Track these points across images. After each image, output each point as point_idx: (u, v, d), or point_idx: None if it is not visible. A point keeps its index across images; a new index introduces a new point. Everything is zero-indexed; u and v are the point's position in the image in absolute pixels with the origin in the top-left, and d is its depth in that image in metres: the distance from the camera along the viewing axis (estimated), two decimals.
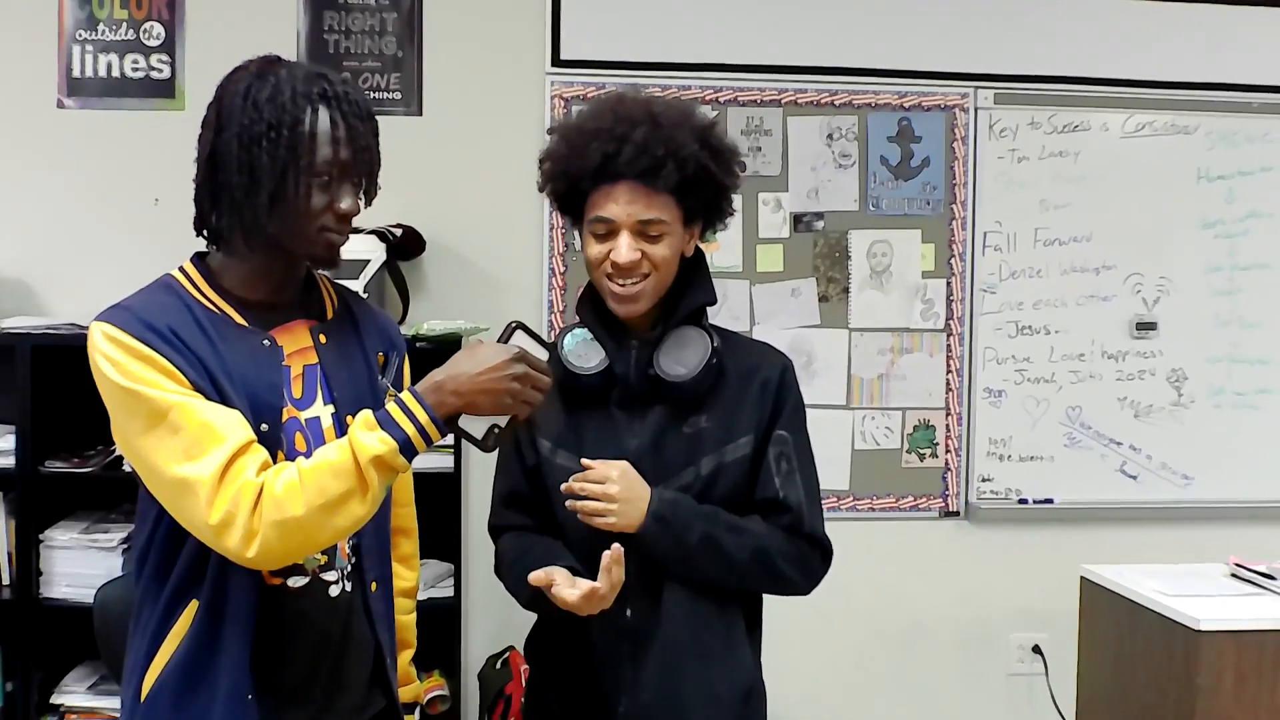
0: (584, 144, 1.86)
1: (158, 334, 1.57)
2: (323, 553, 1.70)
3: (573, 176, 1.88)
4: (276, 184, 1.59)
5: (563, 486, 1.85)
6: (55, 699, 3.29)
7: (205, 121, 1.66)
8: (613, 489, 1.80)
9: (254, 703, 1.63)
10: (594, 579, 1.79)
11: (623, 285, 1.86)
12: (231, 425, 1.55)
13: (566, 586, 1.73)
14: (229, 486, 1.51)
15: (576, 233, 2.00)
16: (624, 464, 1.83)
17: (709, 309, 1.98)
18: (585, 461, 1.85)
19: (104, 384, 1.58)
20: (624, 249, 1.83)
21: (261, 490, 1.52)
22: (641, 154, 1.81)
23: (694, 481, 1.88)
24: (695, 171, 1.85)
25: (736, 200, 2.02)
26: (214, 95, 1.66)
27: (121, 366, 1.55)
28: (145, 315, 1.59)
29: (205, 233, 1.70)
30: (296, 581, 1.69)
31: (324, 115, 1.62)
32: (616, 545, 1.74)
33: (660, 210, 1.85)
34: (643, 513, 1.81)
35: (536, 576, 1.75)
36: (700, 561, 1.86)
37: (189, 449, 1.52)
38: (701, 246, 2.01)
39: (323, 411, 1.72)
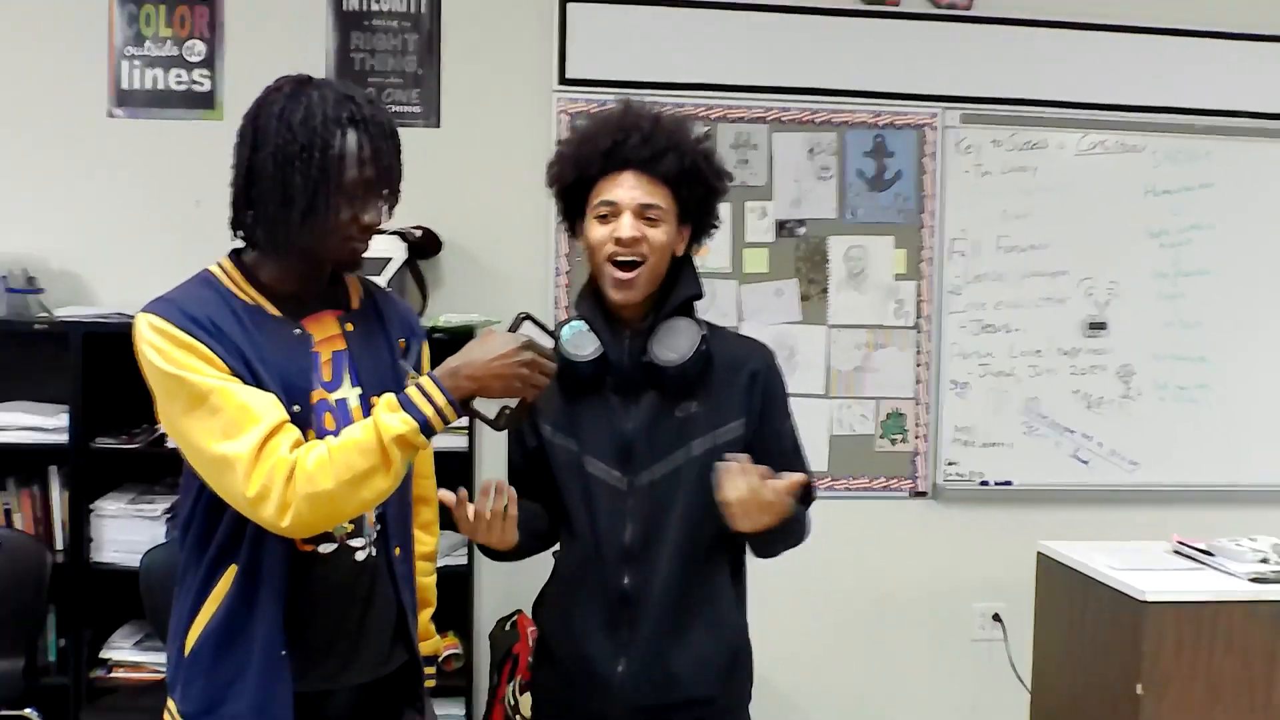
0: (594, 135, 1.88)
1: (198, 324, 1.57)
2: (351, 521, 1.70)
3: (582, 164, 1.89)
4: (309, 201, 1.59)
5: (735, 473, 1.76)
6: (104, 654, 3.30)
7: (242, 136, 1.65)
8: (779, 501, 1.75)
9: (287, 657, 1.64)
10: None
11: (620, 263, 1.85)
12: (266, 407, 1.56)
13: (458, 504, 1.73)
14: (265, 462, 1.51)
15: (573, 230, 2.00)
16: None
17: (697, 304, 1.97)
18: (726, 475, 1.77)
19: (149, 369, 1.58)
20: (625, 225, 1.83)
21: (294, 466, 1.52)
22: (645, 143, 1.84)
23: (685, 462, 1.88)
24: (691, 165, 1.87)
25: (725, 211, 2.03)
26: (250, 112, 1.66)
27: (165, 353, 1.55)
28: (187, 307, 1.59)
29: (240, 233, 1.71)
30: (326, 548, 1.69)
31: (352, 138, 1.61)
32: (445, 492, 1.76)
33: (659, 198, 1.86)
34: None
35: (444, 496, 1.76)
36: (783, 541, 1.91)
37: (228, 428, 1.53)
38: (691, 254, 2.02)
39: (350, 394, 1.72)
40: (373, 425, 1.57)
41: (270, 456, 1.52)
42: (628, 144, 1.84)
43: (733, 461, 1.74)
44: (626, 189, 1.85)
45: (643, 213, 1.85)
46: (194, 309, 1.59)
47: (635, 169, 1.85)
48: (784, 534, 1.85)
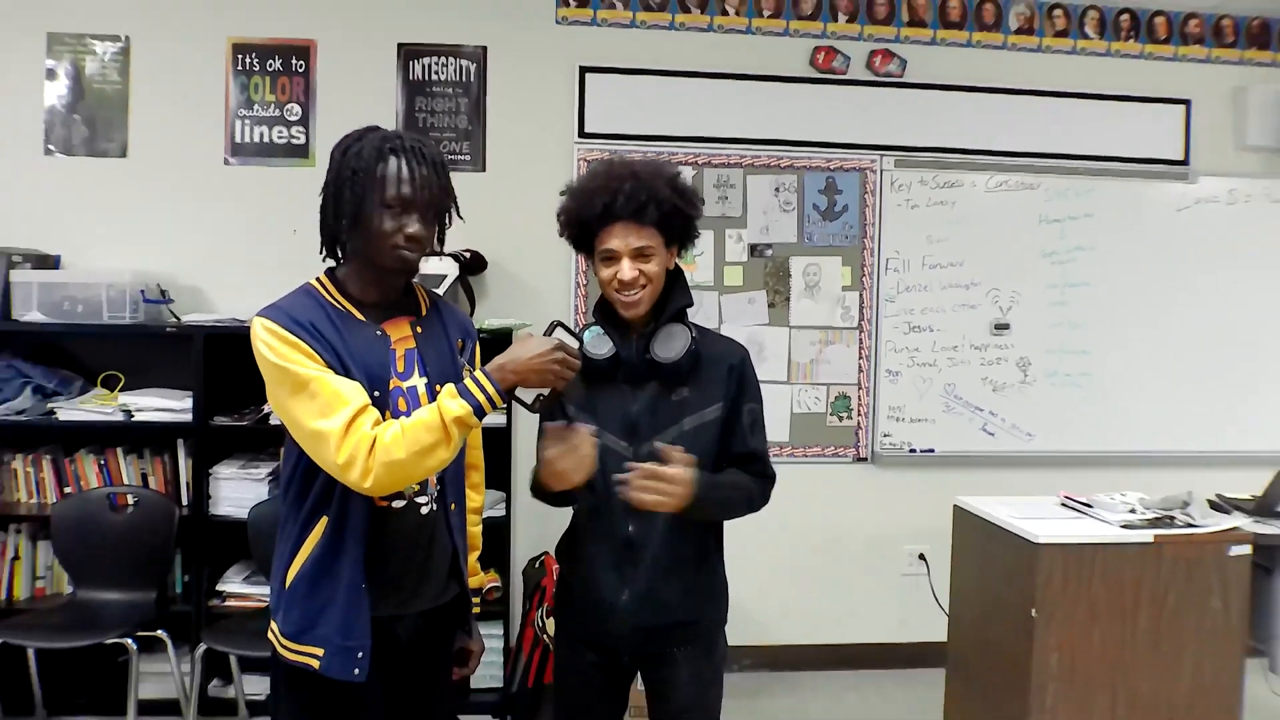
0: (588, 198, 1.85)
1: (301, 326, 1.58)
2: (418, 484, 1.70)
3: (583, 222, 1.87)
4: (355, 211, 1.61)
5: (621, 478, 1.76)
6: (219, 587, 3.32)
7: (326, 180, 1.68)
8: (679, 489, 1.73)
9: (366, 590, 1.64)
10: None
11: (627, 295, 1.85)
12: (354, 392, 1.56)
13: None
14: (351, 437, 1.52)
15: (588, 261, 1.98)
16: (692, 470, 1.76)
17: (688, 310, 1.96)
18: (656, 468, 1.75)
19: (262, 361, 1.59)
20: (625, 270, 1.83)
21: (375, 440, 1.53)
22: (630, 200, 1.81)
23: (678, 435, 1.86)
24: (670, 209, 1.85)
25: (709, 238, 2.01)
26: (330, 157, 1.68)
27: (275, 349, 1.56)
28: (292, 312, 1.60)
29: (330, 255, 1.71)
30: (398, 504, 1.69)
31: (393, 163, 1.62)
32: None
33: (648, 239, 1.84)
34: (688, 498, 1.76)
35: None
36: (716, 513, 1.90)
37: (323, 409, 1.53)
38: (682, 267, 2.01)
39: (418, 382, 1.71)
40: (437, 408, 1.57)
41: (356, 432, 1.53)
42: (616, 203, 1.82)
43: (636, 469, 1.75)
44: (620, 239, 1.83)
45: (637, 254, 1.84)
46: (298, 314, 1.60)
47: (625, 220, 1.83)
48: (714, 511, 1.88)
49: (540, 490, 1.89)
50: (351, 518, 1.63)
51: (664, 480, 1.72)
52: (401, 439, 1.54)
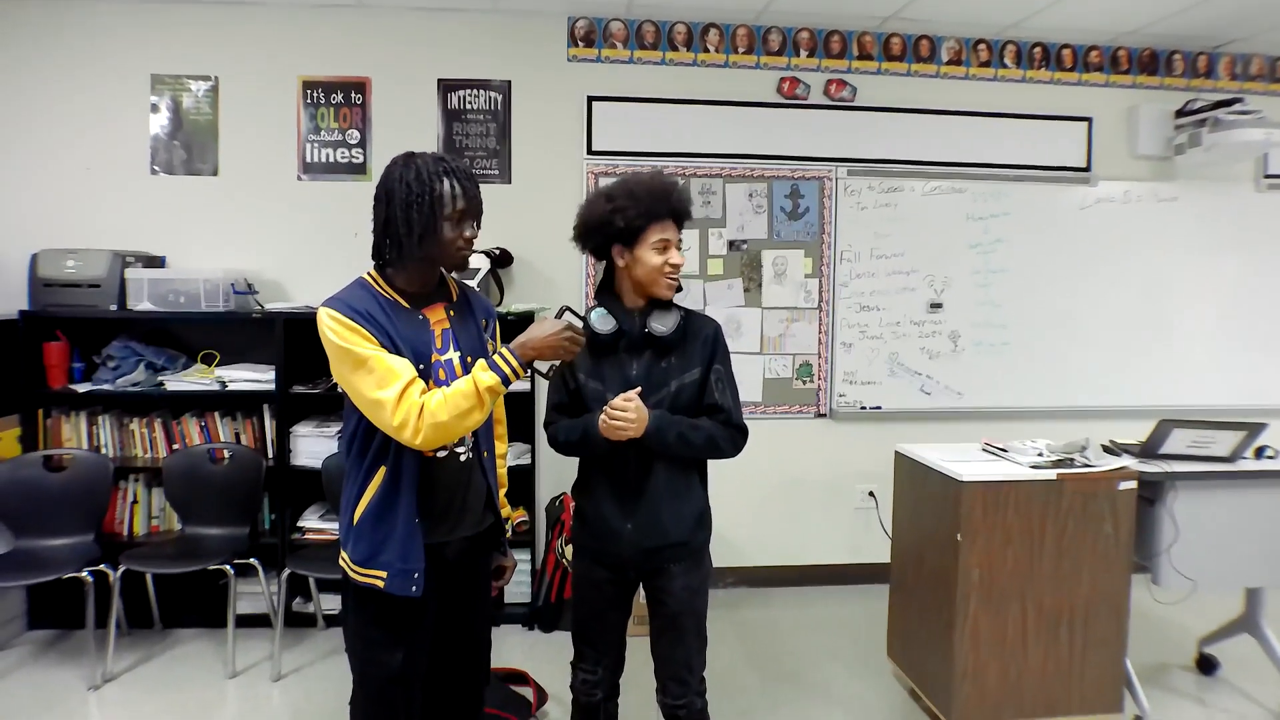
0: (656, 200, 1.87)
1: (358, 313, 1.59)
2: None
3: (647, 212, 1.86)
4: (424, 228, 1.61)
5: (605, 410, 1.81)
6: (300, 523, 3.34)
7: (377, 196, 1.65)
8: (630, 415, 1.79)
9: (419, 523, 1.66)
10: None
11: (673, 278, 1.90)
12: (405, 368, 1.57)
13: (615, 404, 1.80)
14: (404, 403, 1.54)
15: (596, 257, 1.97)
16: (636, 400, 1.81)
17: (676, 294, 1.97)
18: (614, 401, 1.81)
19: (327, 343, 1.59)
20: (677, 256, 1.89)
21: (423, 406, 1.55)
22: (680, 201, 1.89)
23: (667, 394, 1.87)
24: (689, 212, 1.93)
25: (695, 235, 2.03)
26: (381, 179, 1.66)
27: (338, 333, 1.57)
28: (350, 302, 1.61)
29: (381, 256, 1.70)
30: (442, 454, 1.70)
31: (448, 183, 1.62)
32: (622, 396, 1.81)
33: (679, 233, 1.91)
34: (644, 427, 1.81)
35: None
36: (676, 447, 1.86)
37: (380, 381, 1.55)
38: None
39: (454, 356, 1.71)
40: (472, 379, 1.59)
41: (408, 400, 1.54)
42: (670, 202, 1.87)
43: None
44: (672, 231, 1.89)
45: (678, 244, 1.90)
46: (355, 303, 1.61)
47: (673, 218, 1.89)
48: (676, 444, 1.86)
49: (559, 444, 1.93)
50: (405, 467, 1.65)
51: (618, 410, 1.79)
52: (445, 405, 1.55)
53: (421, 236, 1.61)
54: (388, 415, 1.54)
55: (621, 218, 1.87)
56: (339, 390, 1.73)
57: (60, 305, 3.24)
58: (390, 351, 1.59)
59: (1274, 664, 2.80)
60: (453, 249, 1.65)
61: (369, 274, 1.71)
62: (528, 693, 2.75)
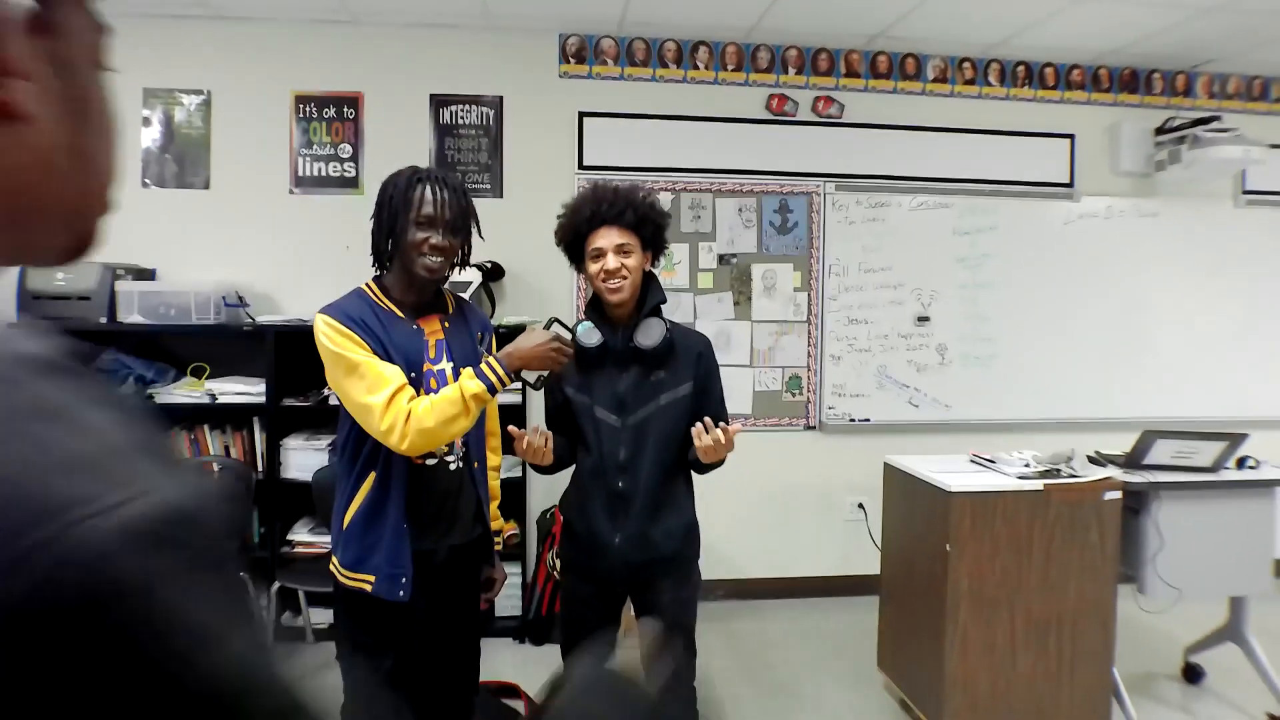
0: (579, 208, 1.88)
1: (353, 321, 1.61)
2: (446, 446, 1.72)
3: (576, 227, 1.88)
4: (391, 226, 1.66)
5: (706, 432, 1.75)
6: (289, 537, 3.32)
7: (374, 212, 1.71)
8: (727, 451, 1.78)
9: (408, 529, 1.67)
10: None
11: (612, 284, 1.85)
12: (395, 375, 1.59)
13: (517, 439, 1.76)
14: (392, 409, 1.55)
15: (577, 269, 1.98)
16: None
17: (664, 306, 1.96)
18: (726, 428, 1.77)
19: (322, 349, 1.61)
20: (610, 260, 1.84)
21: (410, 412, 1.56)
22: (611, 206, 1.85)
23: (657, 409, 1.87)
24: (642, 213, 1.88)
25: (685, 249, 2.02)
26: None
27: (333, 339, 1.59)
28: (347, 310, 1.63)
29: (378, 265, 1.73)
30: (431, 462, 1.72)
31: (419, 189, 1.66)
32: (511, 427, 1.77)
33: (627, 238, 1.86)
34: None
35: (512, 430, 1.77)
36: (713, 469, 1.89)
37: (370, 387, 1.57)
38: (662, 274, 2.02)
39: (446, 366, 1.73)
40: (459, 387, 1.61)
41: (396, 405, 1.56)
42: (600, 210, 1.85)
43: (701, 424, 1.76)
44: (605, 238, 1.86)
45: (619, 250, 1.85)
46: (351, 311, 1.64)
47: (608, 224, 1.86)
48: (718, 463, 1.86)
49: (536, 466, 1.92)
50: (395, 473, 1.66)
51: (727, 445, 1.76)
52: (431, 411, 1.57)
53: (389, 235, 1.66)
54: (376, 420, 1.56)
55: (559, 236, 1.92)
56: (333, 403, 1.74)
57: (49, 318, 3.22)
58: (382, 359, 1.61)
59: (1258, 672, 2.82)
60: (415, 254, 1.65)
61: (367, 284, 1.73)
62: (519, 706, 2.74)
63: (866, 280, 3.94)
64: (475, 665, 1.90)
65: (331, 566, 1.72)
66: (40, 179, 0.43)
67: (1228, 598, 2.92)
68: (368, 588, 1.65)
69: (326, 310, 1.63)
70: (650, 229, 1.91)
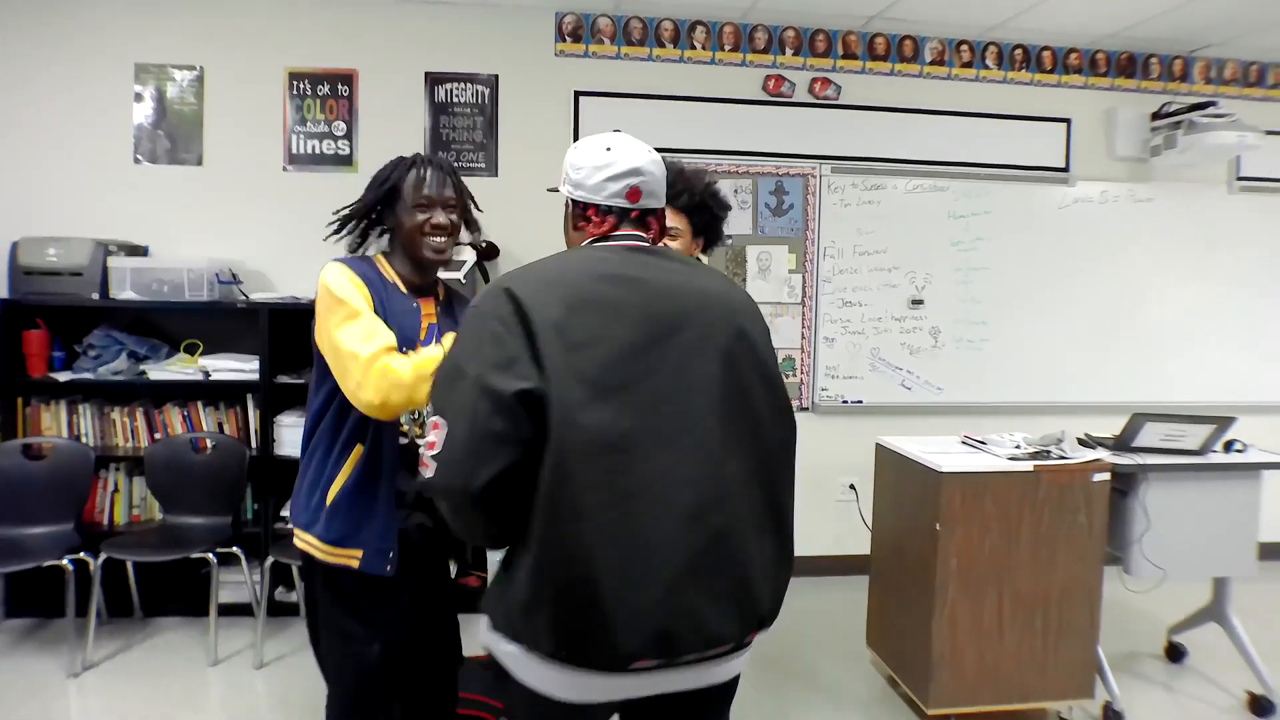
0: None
1: (363, 277, 1.64)
2: (419, 428, 1.71)
3: None
4: (384, 209, 1.72)
5: None
6: (283, 513, 3.29)
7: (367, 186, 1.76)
8: None
9: (394, 506, 1.67)
10: None
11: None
12: (388, 334, 1.59)
13: None
14: (372, 366, 1.53)
15: None
16: None
17: None
18: None
19: (325, 293, 1.60)
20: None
21: (387, 367, 1.54)
22: (671, 187, 1.79)
23: None
24: (699, 200, 1.87)
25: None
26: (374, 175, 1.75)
27: (341, 285, 1.60)
28: (358, 267, 1.66)
29: (347, 237, 1.78)
30: (404, 441, 1.70)
31: (413, 172, 1.70)
32: None
33: (677, 222, 1.86)
34: None
35: None
36: None
37: (363, 336, 1.56)
38: (702, 257, 2.00)
39: (434, 349, 1.72)
40: (442, 345, 1.63)
41: (375, 362, 1.54)
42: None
43: None
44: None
45: (665, 233, 1.85)
46: (363, 270, 1.67)
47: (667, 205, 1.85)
48: None
49: None
50: (385, 448, 1.66)
51: None
52: (410, 366, 1.55)
53: (390, 224, 1.70)
54: (357, 369, 1.53)
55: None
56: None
57: (41, 294, 3.21)
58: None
59: (1239, 652, 2.86)
60: (415, 234, 1.68)
61: (377, 257, 1.76)
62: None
63: (861, 263, 3.94)
64: (456, 636, 1.90)
65: (304, 544, 1.68)
66: None
67: (1211, 578, 2.95)
68: (354, 564, 1.63)
69: (342, 259, 1.66)
70: (705, 217, 1.89)
